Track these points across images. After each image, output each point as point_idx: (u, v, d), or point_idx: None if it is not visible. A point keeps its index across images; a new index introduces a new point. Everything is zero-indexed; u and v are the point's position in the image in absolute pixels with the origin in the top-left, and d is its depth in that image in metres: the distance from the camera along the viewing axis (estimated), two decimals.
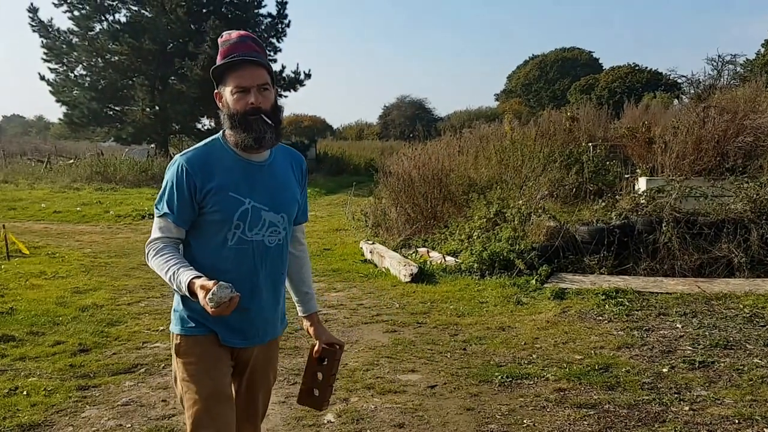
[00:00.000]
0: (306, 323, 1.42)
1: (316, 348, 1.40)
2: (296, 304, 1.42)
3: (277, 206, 1.25)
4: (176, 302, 1.26)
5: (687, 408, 2.24)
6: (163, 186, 1.22)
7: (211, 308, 1.04)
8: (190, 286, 1.10)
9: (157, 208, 1.22)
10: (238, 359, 1.29)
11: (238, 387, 1.33)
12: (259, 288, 1.24)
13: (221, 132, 1.26)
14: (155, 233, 1.22)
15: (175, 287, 1.15)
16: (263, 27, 16.59)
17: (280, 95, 16.55)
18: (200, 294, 1.07)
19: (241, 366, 1.30)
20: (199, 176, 1.19)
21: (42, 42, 15.22)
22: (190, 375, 1.21)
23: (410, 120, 27.77)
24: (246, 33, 1.24)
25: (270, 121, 1.18)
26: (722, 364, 2.64)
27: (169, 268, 1.15)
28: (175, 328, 1.25)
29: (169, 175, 1.21)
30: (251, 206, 1.20)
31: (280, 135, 1.24)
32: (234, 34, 1.23)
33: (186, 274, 1.12)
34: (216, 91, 1.24)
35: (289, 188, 1.29)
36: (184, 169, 1.19)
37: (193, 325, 1.22)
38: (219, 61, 1.22)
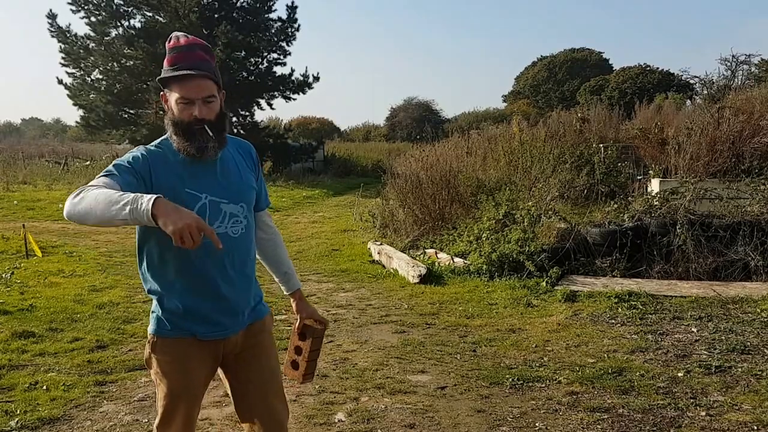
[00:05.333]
0: (292, 301, 1.45)
1: (297, 323, 1.43)
2: (280, 285, 1.44)
3: (234, 197, 1.25)
4: (154, 305, 1.27)
5: (704, 413, 2.19)
6: (116, 160, 1.19)
7: (177, 240, 1.00)
8: (157, 204, 0.99)
9: (104, 172, 1.14)
10: (225, 351, 1.29)
11: (237, 375, 1.32)
12: (229, 278, 1.25)
13: (167, 134, 1.25)
14: (94, 181, 1.11)
15: (128, 212, 1.01)
16: (273, 31, 16.75)
17: (289, 98, 16.69)
18: (160, 221, 0.98)
19: (230, 356, 1.30)
20: (156, 171, 1.18)
21: (60, 47, 15.57)
22: (164, 373, 1.24)
23: (417, 121, 27.73)
24: (195, 40, 1.21)
25: (211, 133, 1.18)
26: (739, 369, 2.58)
27: (122, 195, 1.03)
28: (151, 329, 1.27)
29: (128, 155, 1.19)
30: (208, 200, 1.20)
31: (223, 142, 1.23)
32: (182, 40, 1.20)
33: (149, 197, 1.01)
34: (162, 93, 1.24)
35: (243, 177, 1.30)
36: (146, 158, 1.18)
37: (170, 327, 1.24)
38: (166, 66, 1.20)
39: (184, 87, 1.17)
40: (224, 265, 1.24)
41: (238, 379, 1.32)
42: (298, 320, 1.42)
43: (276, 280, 1.44)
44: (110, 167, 1.15)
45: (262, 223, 1.40)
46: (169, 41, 1.21)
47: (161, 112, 14.97)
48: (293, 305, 1.44)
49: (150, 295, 1.28)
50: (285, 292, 1.45)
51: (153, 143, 1.25)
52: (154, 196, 1.02)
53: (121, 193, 1.04)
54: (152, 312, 1.28)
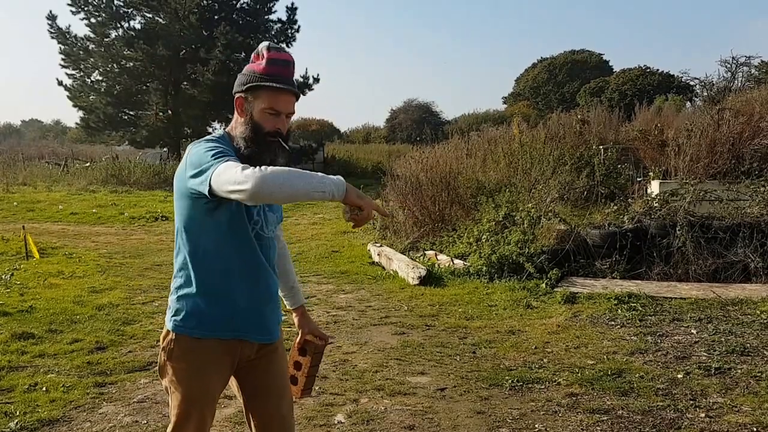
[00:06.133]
0: (294, 315, 1.46)
1: (298, 338, 1.44)
2: (284, 299, 1.45)
3: (275, 206, 1.32)
4: (175, 301, 1.23)
5: (703, 415, 2.19)
6: (205, 151, 1.13)
7: (357, 214, 1.07)
8: (348, 185, 1.07)
9: (215, 159, 1.09)
10: (242, 356, 1.27)
11: (252, 381, 1.31)
12: (270, 282, 1.27)
13: (224, 132, 1.26)
14: (233, 162, 1.08)
15: (327, 183, 1.04)
16: (273, 32, 16.79)
17: None
18: (353, 198, 1.06)
19: (244, 362, 1.29)
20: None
21: (60, 48, 15.61)
22: (179, 378, 1.22)
23: (417, 123, 27.76)
24: (291, 57, 1.25)
25: (286, 147, 1.24)
26: (739, 371, 2.58)
27: (306, 172, 1.06)
28: (171, 326, 1.23)
29: (212, 145, 1.17)
30: (263, 204, 1.23)
31: (290, 156, 1.28)
32: (285, 55, 1.24)
33: (335, 176, 1.08)
34: (241, 95, 1.23)
35: None
36: (225, 150, 1.17)
37: (193, 325, 1.21)
38: (260, 71, 1.21)
39: (275, 99, 1.21)
40: (268, 269, 1.26)
41: (252, 384, 1.31)
42: (300, 335, 1.43)
43: (281, 294, 1.43)
44: (219, 153, 1.11)
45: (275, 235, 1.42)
46: (268, 50, 1.22)
47: (160, 114, 14.98)
48: (296, 320, 1.44)
49: (181, 291, 1.23)
50: (289, 306, 1.45)
51: (213, 137, 1.24)
52: (339, 177, 1.08)
53: (305, 172, 1.06)
54: (170, 308, 1.24)
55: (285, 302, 1.45)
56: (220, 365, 1.25)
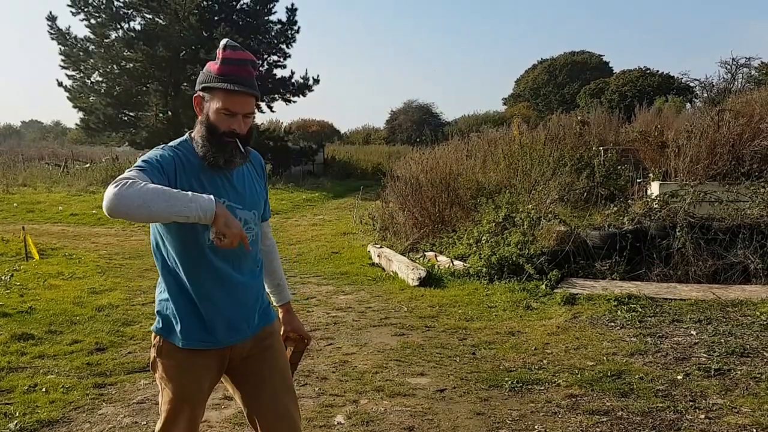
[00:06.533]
0: (279, 312, 1.47)
1: (279, 334, 1.43)
2: (270, 295, 1.45)
3: (248, 204, 1.28)
4: (160, 305, 1.26)
5: (703, 416, 2.19)
6: (141, 158, 1.18)
7: (220, 239, 1.06)
8: (219, 208, 1.04)
9: (129, 170, 1.11)
10: (232, 356, 1.28)
11: (248, 379, 1.31)
12: (240, 283, 1.26)
13: (188, 134, 1.26)
14: (127, 174, 1.08)
15: (182, 208, 1.02)
16: (273, 33, 16.81)
17: (289, 101, 16.73)
18: (220, 223, 1.04)
19: (237, 361, 1.30)
20: (180, 173, 1.18)
21: (60, 49, 15.63)
22: (168, 377, 1.24)
23: (417, 124, 27.78)
24: (249, 56, 1.22)
25: (242, 148, 1.21)
26: (739, 372, 2.58)
27: (178, 191, 1.05)
28: (157, 329, 1.26)
29: (155, 153, 1.19)
30: (227, 205, 1.20)
31: (247, 157, 1.26)
32: (238, 54, 1.21)
33: (207, 196, 1.05)
34: (197, 95, 1.24)
35: (255, 186, 1.33)
36: (172, 158, 1.19)
37: (169, 334, 1.24)
38: (214, 73, 1.20)
39: (229, 100, 1.19)
40: (237, 271, 1.25)
41: (249, 382, 1.30)
42: (282, 331, 1.43)
43: (268, 290, 1.44)
44: (141, 163, 1.15)
45: (263, 234, 1.41)
46: (223, 50, 1.21)
47: (160, 115, 14.96)
48: (280, 316, 1.45)
49: (159, 298, 1.27)
50: (275, 303, 1.46)
51: (172, 144, 1.24)
52: (211, 196, 1.06)
53: (174, 189, 1.05)
54: (158, 312, 1.27)
55: (272, 299, 1.46)
56: (208, 364, 1.26)
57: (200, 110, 1.24)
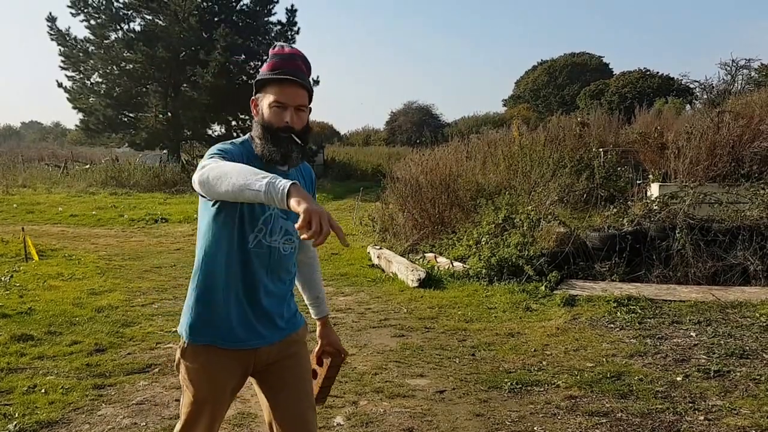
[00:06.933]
0: (317, 326, 1.45)
1: (317, 349, 1.43)
2: (309, 308, 1.45)
3: (293, 215, 1.25)
4: (188, 306, 1.25)
5: (702, 418, 2.19)
6: (208, 154, 1.17)
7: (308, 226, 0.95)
8: (295, 185, 0.98)
9: (208, 159, 1.12)
10: (257, 361, 1.27)
11: (272, 386, 1.30)
12: (269, 290, 1.25)
13: (249, 135, 1.27)
14: (209, 160, 1.11)
15: (264, 183, 0.99)
16: (273, 35, 16.82)
17: None
18: (293, 200, 0.96)
19: (262, 366, 1.28)
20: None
21: (60, 50, 15.65)
22: (191, 379, 1.24)
23: (417, 126, 27.81)
24: (298, 51, 1.25)
25: (299, 141, 1.21)
26: (738, 374, 2.58)
27: (258, 170, 1.03)
28: (182, 331, 1.26)
29: (222, 145, 1.20)
30: (274, 212, 1.22)
31: (305, 154, 1.26)
32: (287, 49, 1.24)
33: (284, 179, 1.00)
34: (253, 98, 1.26)
35: None
36: (236, 152, 1.20)
37: (196, 333, 1.23)
38: (265, 70, 1.23)
39: (281, 91, 1.20)
40: (268, 277, 1.24)
41: (273, 389, 1.29)
42: (319, 346, 1.43)
43: (306, 303, 1.44)
44: (214, 152, 1.16)
45: (305, 245, 1.39)
46: (273, 48, 1.25)
47: (160, 116, 14.95)
48: (318, 330, 1.44)
49: (189, 295, 1.26)
50: (313, 316, 1.45)
51: (236, 140, 1.26)
52: (290, 180, 1.02)
53: (251, 170, 1.03)
54: (184, 314, 1.26)
55: (310, 311, 1.46)
56: (232, 368, 1.24)
57: (256, 112, 1.25)
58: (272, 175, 1.01)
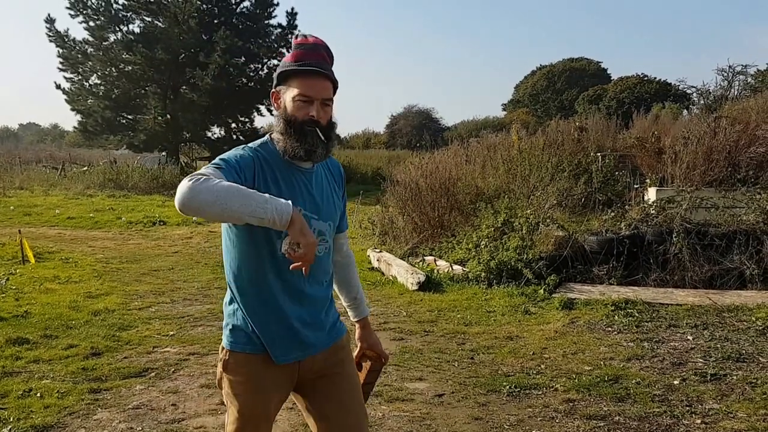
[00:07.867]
0: (357, 328, 1.39)
1: (356, 352, 1.37)
2: (347, 310, 1.39)
3: (324, 214, 1.21)
4: (228, 316, 1.20)
5: (699, 421, 2.20)
6: (222, 156, 1.13)
7: (294, 250, 0.97)
8: (295, 213, 0.96)
9: (206, 168, 1.07)
10: (302, 371, 1.21)
11: (320, 395, 1.23)
12: (307, 296, 1.19)
13: (268, 135, 1.21)
14: (204, 171, 1.04)
15: (257, 209, 0.96)
16: (273, 37, 16.89)
17: None
18: (296, 230, 0.96)
19: (309, 376, 1.22)
20: (260, 175, 1.13)
21: (58, 52, 15.66)
22: (235, 393, 1.17)
23: (417, 129, 27.88)
24: (321, 41, 1.18)
25: (323, 137, 1.14)
26: (735, 377, 2.59)
27: (254, 192, 0.99)
28: (225, 342, 1.20)
29: (234, 152, 1.13)
30: (302, 214, 1.11)
31: (330, 150, 1.19)
32: (311, 39, 1.17)
33: (284, 201, 0.98)
34: (274, 90, 1.18)
35: (332, 196, 1.26)
36: (252, 159, 1.13)
37: (245, 341, 1.17)
38: (289, 61, 1.15)
39: (306, 84, 1.13)
40: (305, 283, 1.17)
41: (326, 398, 1.23)
42: (358, 349, 1.37)
43: (344, 304, 1.38)
44: (218, 161, 1.10)
45: (339, 245, 1.34)
46: (296, 38, 1.18)
47: (159, 118, 14.94)
48: (356, 332, 1.38)
49: (227, 307, 1.21)
50: (351, 318, 1.39)
51: (252, 144, 1.18)
52: (288, 201, 1.00)
53: (251, 190, 1.00)
54: (225, 324, 1.19)
55: (349, 313, 1.39)
56: (277, 380, 1.18)
57: (278, 105, 1.18)
58: (269, 196, 0.98)
